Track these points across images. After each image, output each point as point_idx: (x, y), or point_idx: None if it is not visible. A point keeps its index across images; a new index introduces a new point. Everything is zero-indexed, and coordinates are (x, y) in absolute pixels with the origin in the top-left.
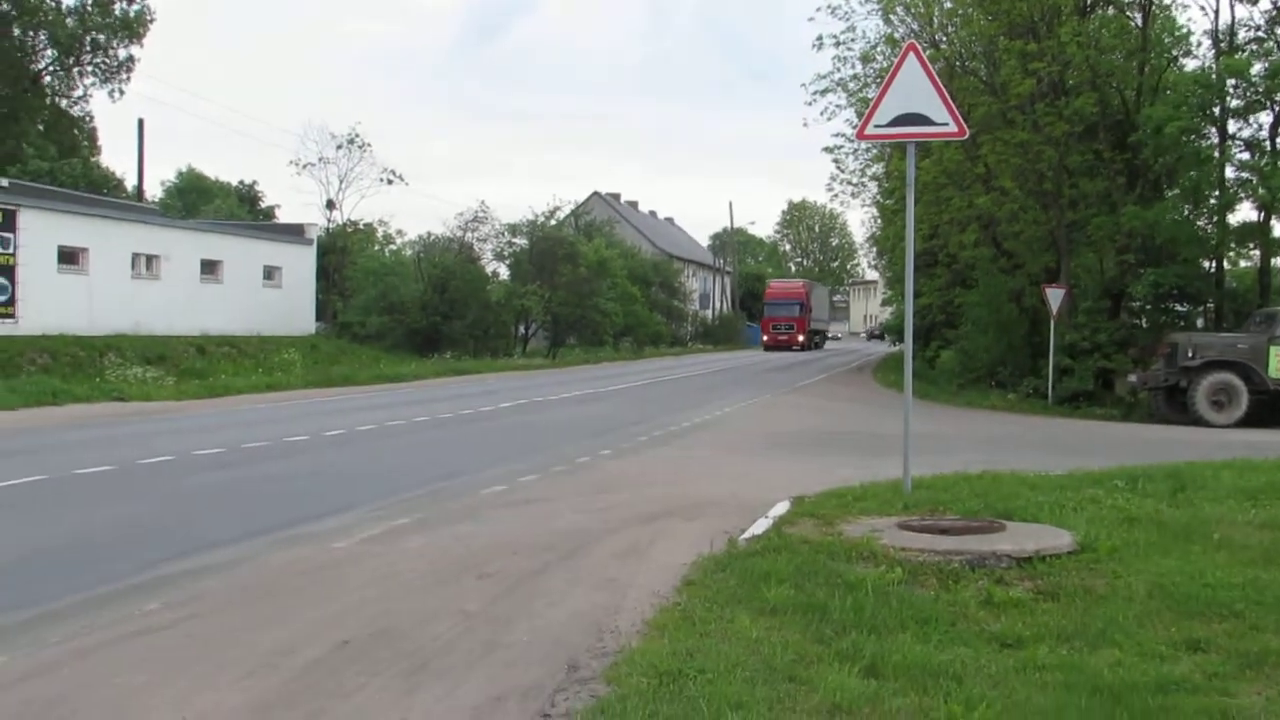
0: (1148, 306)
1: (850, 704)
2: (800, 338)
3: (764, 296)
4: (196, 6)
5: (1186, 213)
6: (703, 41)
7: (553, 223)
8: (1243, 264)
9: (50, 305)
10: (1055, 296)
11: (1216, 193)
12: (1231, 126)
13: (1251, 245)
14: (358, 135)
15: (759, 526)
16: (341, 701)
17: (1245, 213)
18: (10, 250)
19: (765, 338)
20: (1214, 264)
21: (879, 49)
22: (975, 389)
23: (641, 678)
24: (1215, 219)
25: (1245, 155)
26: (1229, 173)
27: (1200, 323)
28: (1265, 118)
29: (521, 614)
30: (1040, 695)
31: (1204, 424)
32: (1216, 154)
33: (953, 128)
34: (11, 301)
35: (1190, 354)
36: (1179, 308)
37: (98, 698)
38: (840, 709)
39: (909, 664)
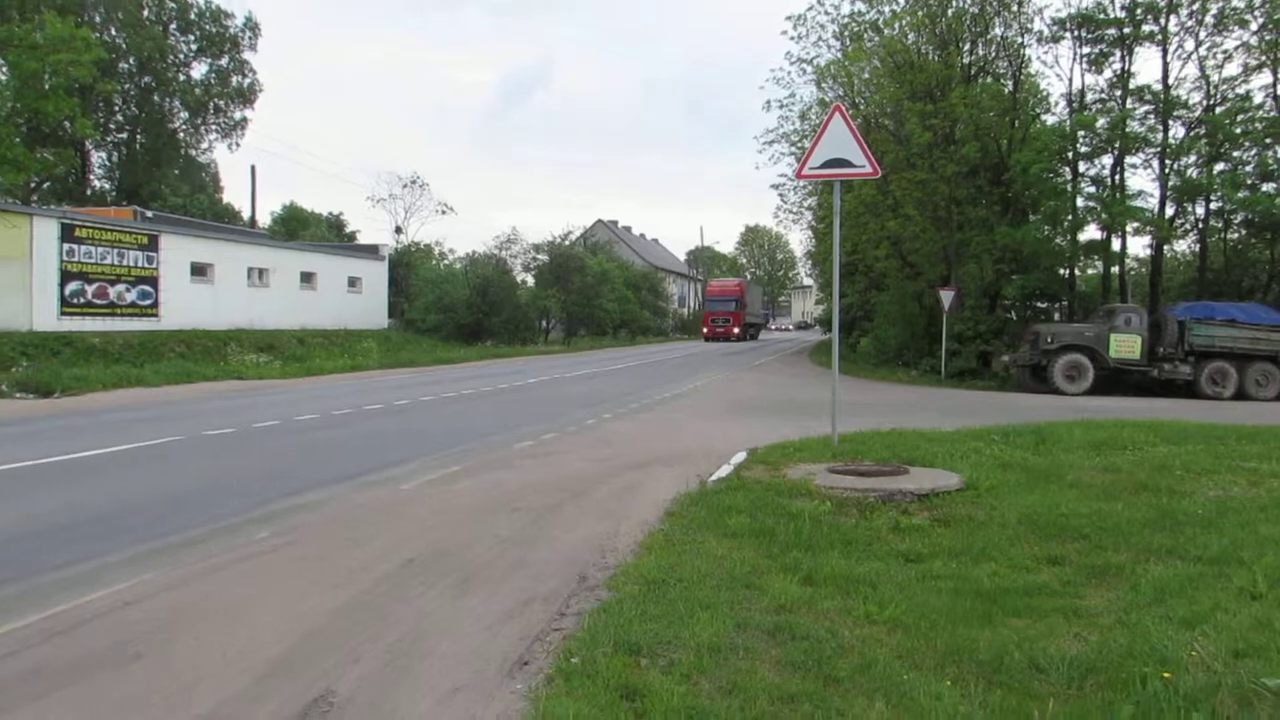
0: (1017, 304)
1: (792, 604)
2: (736, 330)
3: (704, 294)
4: (295, 81)
5: (1046, 232)
6: (680, 106)
7: (566, 242)
8: (1089, 271)
9: (185, 307)
10: (947, 297)
11: (1070, 217)
12: (1081, 167)
13: (1096, 257)
14: (418, 177)
15: (723, 471)
16: (407, 605)
17: (1091, 232)
18: (154, 265)
19: (705, 330)
20: (1068, 271)
21: (813, 109)
22: (886, 368)
23: (634, 585)
24: (1069, 237)
25: (1092, 189)
26: (1079, 202)
27: (1057, 316)
28: (1107, 160)
29: (543, 538)
30: (936, 598)
31: (1060, 393)
32: (1069, 188)
33: (869, 169)
34: (156, 304)
35: (1049, 340)
36: (1041, 305)
37: (221, 603)
38: (785, 608)
39: (836, 575)
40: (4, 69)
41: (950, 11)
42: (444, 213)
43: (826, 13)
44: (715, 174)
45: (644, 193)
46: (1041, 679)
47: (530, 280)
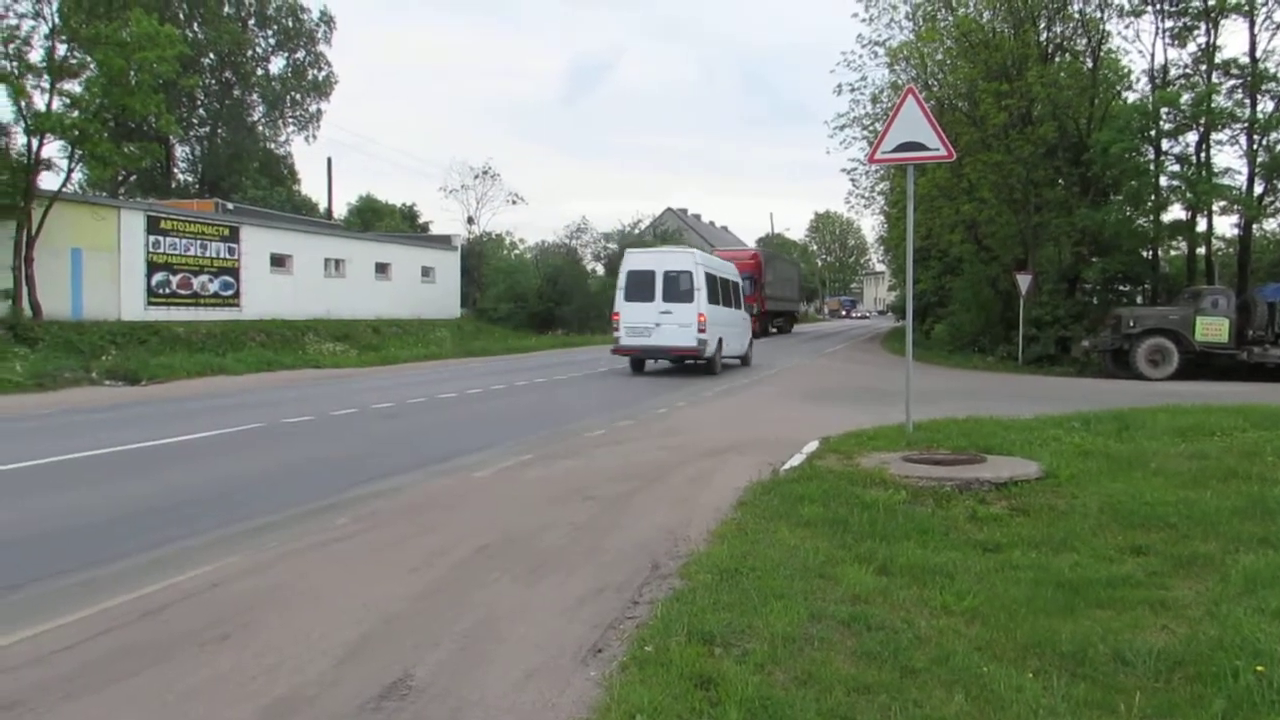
0: (1098, 288)
1: (867, 594)
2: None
3: None
4: (369, 74)
5: (1128, 213)
6: (749, 94)
7: (636, 231)
8: (1173, 253)
9: (265, 297)
10: (1024, 281)
11: (1153, 197)
12: (1165, 145)
13: (1181, 238)
14: (490, 167)
15: (795, 459)
16: (481, 590)
17: (1176, 213)
18: (236, 257)
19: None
20: (1151, 253)
21: (884, 92)
22: (961, 354)
23: (707, 574)
24: (1152, 218)
25: (1176, 168)
26: (1163, 181)
27: (1140, 300)
28: (1192, 137)
29: (616, 526)
30: (1015, 588)
31: (1143, 378)
32: (1152, 167)
33: (943, 152)
34: (237, 295)
35: (1131, 324)
36: (1123, 288)
37: (301, 586)
38: (860, 598)
39: (912, 564)
40: (93, 67)
41: None
42: (515, 203)
43: None
44: (784, 160)
45: (713, 181)
46: (1127, 672)
47: (600, 269)
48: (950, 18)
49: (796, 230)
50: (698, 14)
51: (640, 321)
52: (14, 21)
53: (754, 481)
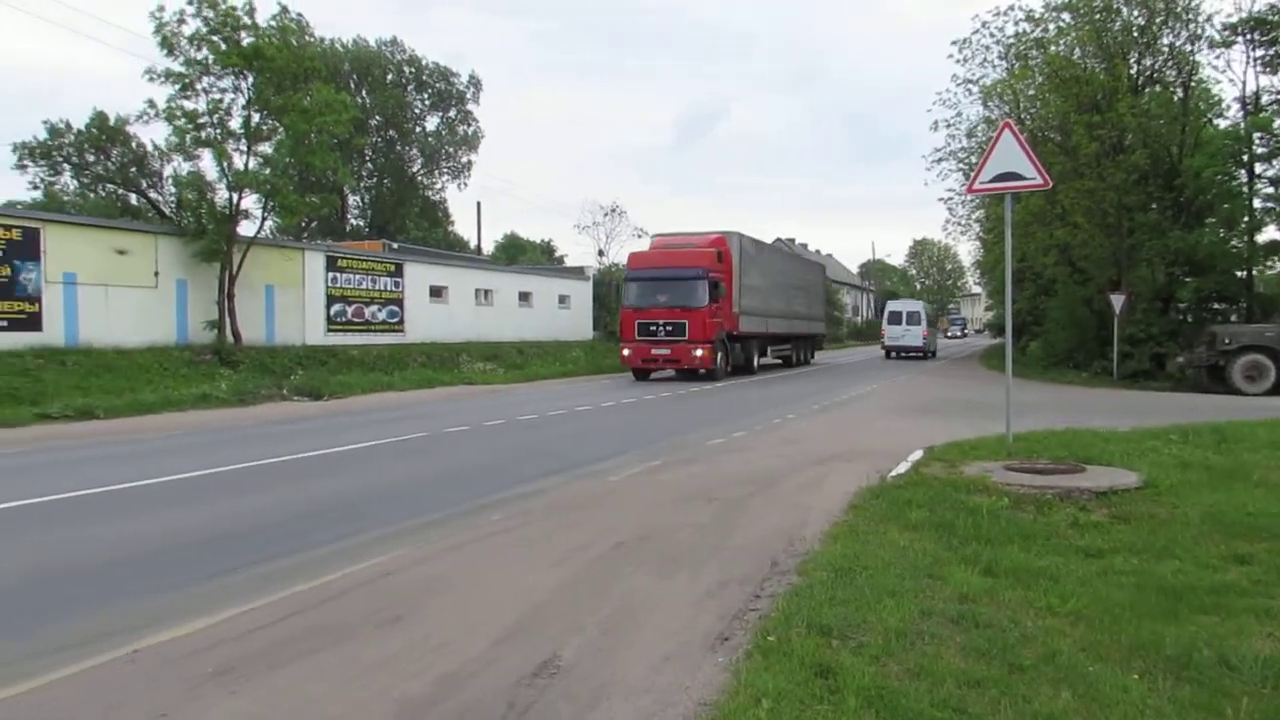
0: (1191, 306)
1: (974, 594)
2: (699, 351)
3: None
4: (512, 126)
5: (1221, 235)
6: (847, 129)
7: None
8: (1269, 272)
9: (424, 323)
10: (1118, 300)
11: (1246, 219)
12: (1258, 168)
13: (1276, 258)
14: (617, 205)
15: (901, 467)
16: (619, 581)
17: (1270, 233)
18: (400, 289)
19: (624, 349)
20: (1245, 273)
21: (979, 127)
22: (1056, 370)
23: (823, 572)
24: (1246, 239)
25: (1270, 190)
26: (1256, 203)
27: (1234, 318)
28: None
29: (737, 526)
30: (1119, 592)
31: (1239, 393)
32: (1245, 190)
33: (1039, 180)
34: (401, 321)
35: (1228, 340)
36: (1216, 306)
37: (461, 576)
38: (967, 598)
39: (1016, 567)
40: (281, 131)
41: (1117, 25)
42: (639, 236)
43: (991, 34)
44: (883, 192)
45: (816, 214)
46: (1233, 677)
47: None
48: (1041, 55)
49: (896, 256)
50: (802, 64)
51: (897, 335)
52: (218, 96)
53: (862, 487)
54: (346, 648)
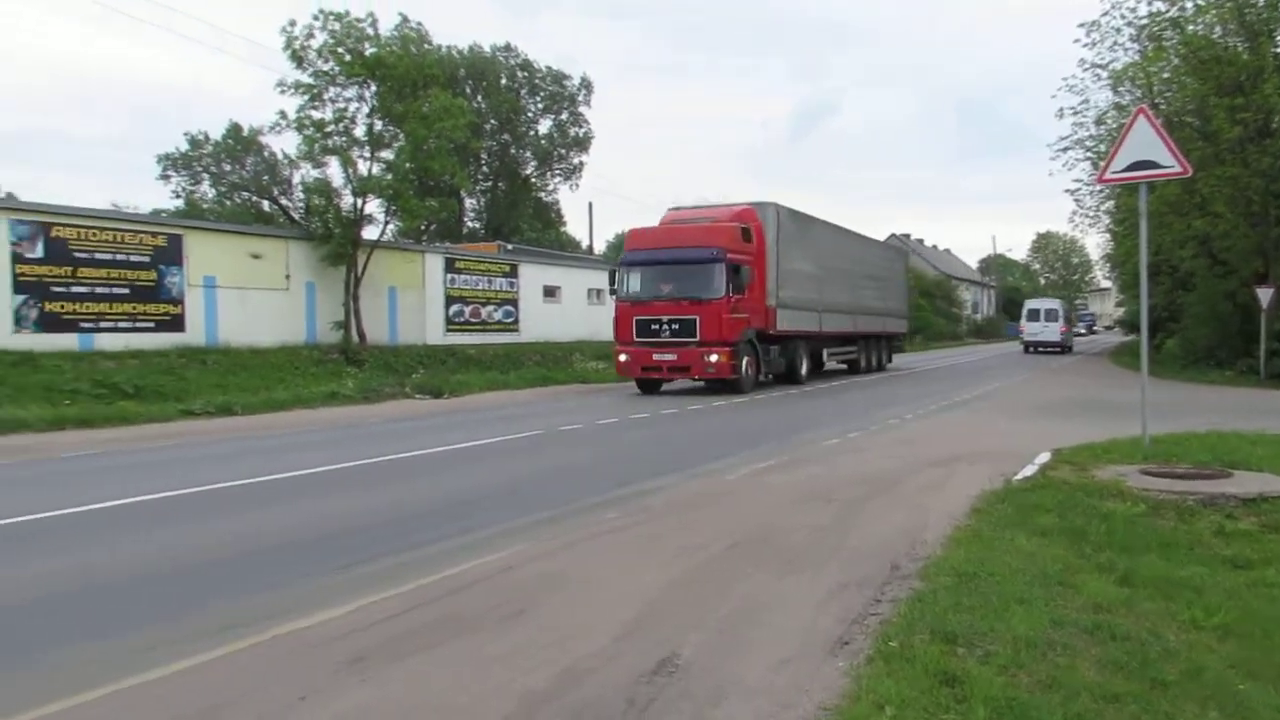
0: None
1: (1109, 604)
2: (712, 357)
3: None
4: (621, 130)
5: None
6: (962, 121)
7: None
8: None
9: (538, 322)
10: (1265, 294)
11: None
12: None
13: None
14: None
15: (1027, 470)
16: (737, 581)
17: None
18: (515, 289)
19: (619, 355)
20: None
21: (1109, 114)
22: (1196, 368)
23: (946, 577)
24: None
25: None
26: None
27: None
28: None
29: (855, 528)
30: (1270, 606)
31: None
32: None
33: (1178, 168)
34: (516, 321)
35: None
36: None
37: (579, 572)
38: (1102, 608)
39: (1155, 577)
40: (402, 138)
41: (1261, 1)
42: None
43: (1122, 16)
44: (1002, 184)
45: (932, 208)
46: None
47: None
48: (1177, 36)
49: (1018, 250)
50: (913, 56)
51: (1035, 331)
52: (343, 105)
53: (986, 490)
54: (469, 640)
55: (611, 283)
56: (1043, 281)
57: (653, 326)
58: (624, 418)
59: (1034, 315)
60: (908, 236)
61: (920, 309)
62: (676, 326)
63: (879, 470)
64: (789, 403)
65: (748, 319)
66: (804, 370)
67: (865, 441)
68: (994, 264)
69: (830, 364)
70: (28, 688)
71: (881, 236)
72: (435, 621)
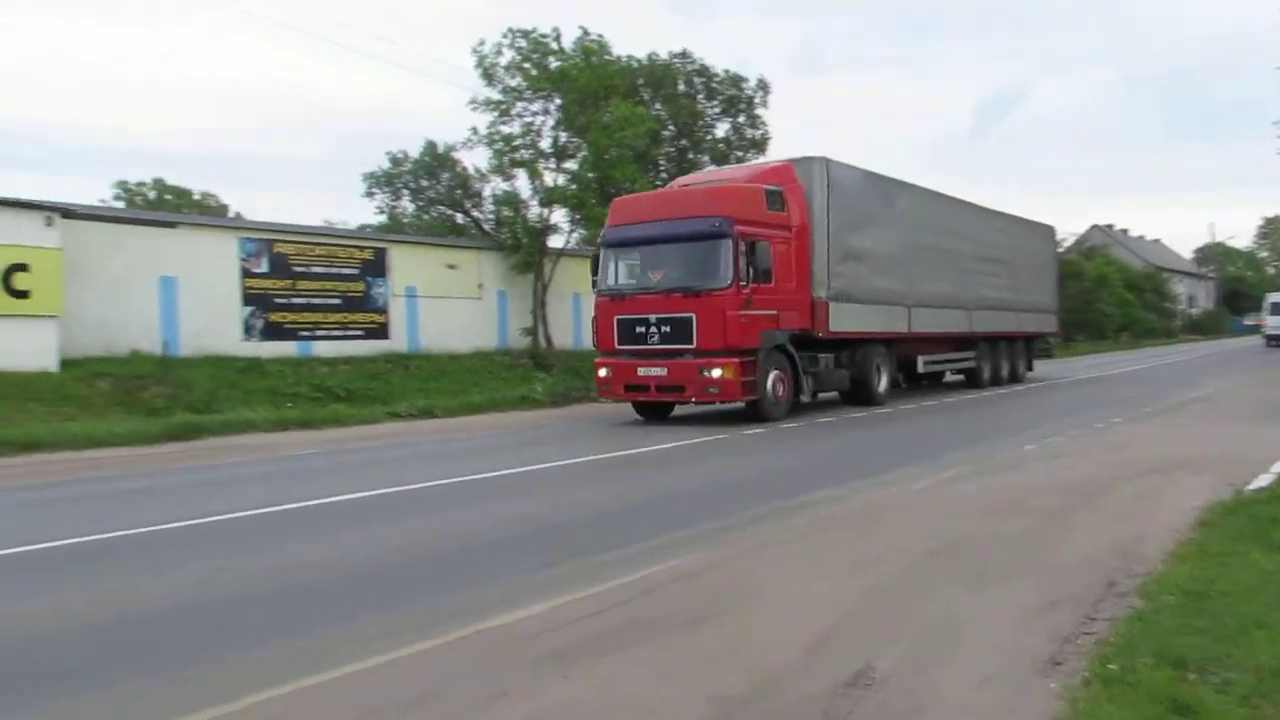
0: None
1: None
2: (714, 372)
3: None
4: (797, 129)
5: None
6: (1167, 102)
7: (1060, 249)
8: None
9: None
10: None
11: None
12: None
13: None
14: None
15: (1262, 480)
16: (931, 593)
17: None
18: None
19: (602, 371)
20: None
21: None
22: None
23: (1170, 595)
24: None
25: None
26: None
27: None
28: None
29: (1058, 540)
30: None
31: None
32: None
33: None
34: None
35: None
36: None
37: (767, 579)
38: None
39: None
40: (584, 148)
41: None
42: None
43: None
44: (1217, 166)
45: (1136, 195)
46: None
47: None
48: None
49: (1241, 238)
50: (1111, 30)
51: (1277, 325)
52: (529, 119)
53: (1212, 501)
54: (663, 642)
55: (594, 272)
56: (1272, 270)
57: (637, 329)
58: (811, 421)
59: (1277, 309)
60: (1110, 227)
61: (1128, 304)
62: (667, 329)
63: (1087, 476)
64: (829, 435)
65: (776, 317)
66: (882, 384)
67: (1069, 447)
68: (1212, 253)
69: (930, 373)
70: (254, 673)
71: (1080, 229)
72: (630, 622)
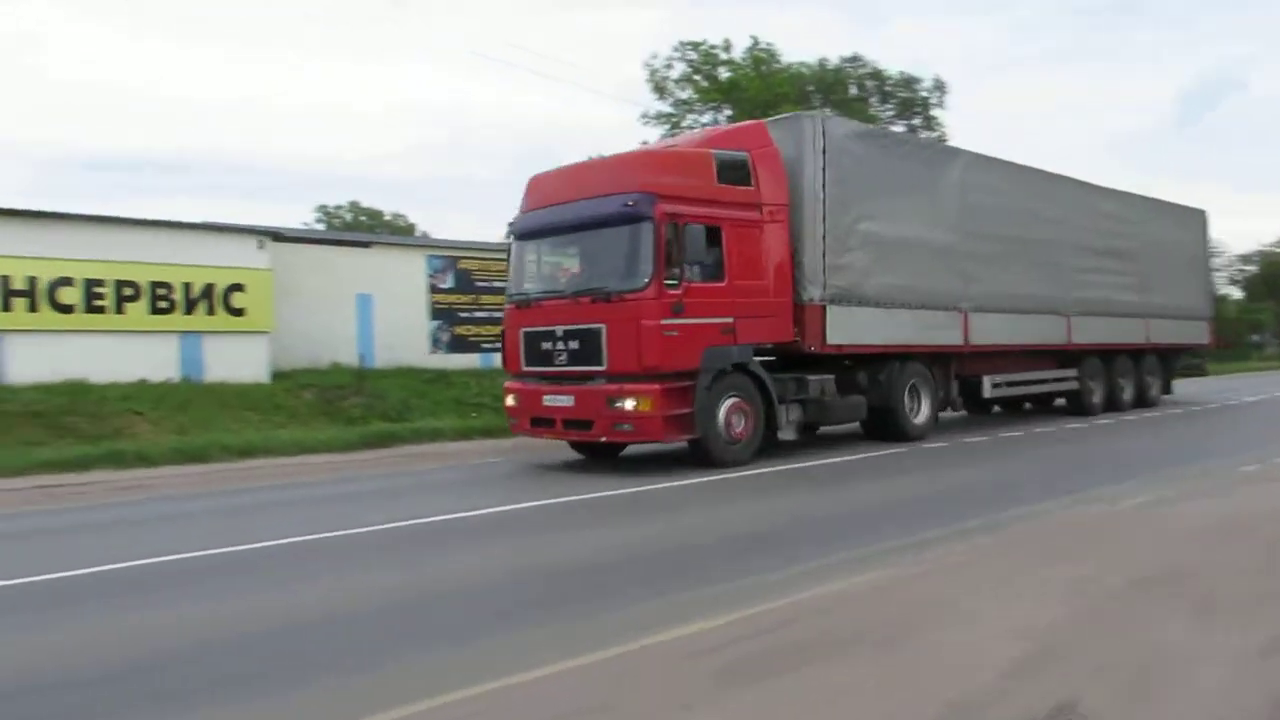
0: None
1: None
2: (628, 404)
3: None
4: (983, 128)
5: None
6: None
7: (1278, 251)
8: None
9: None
10: None
11: None
12: None
13: None
14: None
15: None
16: (1143, 624)
17: None
18: None
19: (509, 399)
20: None
21: None
22: None
23: None
24: None
25: None
26: None
27: None
28: None
29: None
30: None
31: None
32: None
33: None
34: None
35: None
36: None
37: (956, 599)
38: None
39: None
40: None
41: None
42: None
43: None
44: None
45: None
46: None
47: (1237, 293)
48: None
49: None
50: None
51: None
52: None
53: None
54: (843, 662)
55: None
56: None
57: (543, 345)
58: (995, 435)
59: None
60: None
61: None
62: (575, 345)
63: None
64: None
65: (732, 327)
66: (921, 414)
67: None
68: None
69: (1003, 398)
70: (431, 679)
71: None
72: (806, 640)
